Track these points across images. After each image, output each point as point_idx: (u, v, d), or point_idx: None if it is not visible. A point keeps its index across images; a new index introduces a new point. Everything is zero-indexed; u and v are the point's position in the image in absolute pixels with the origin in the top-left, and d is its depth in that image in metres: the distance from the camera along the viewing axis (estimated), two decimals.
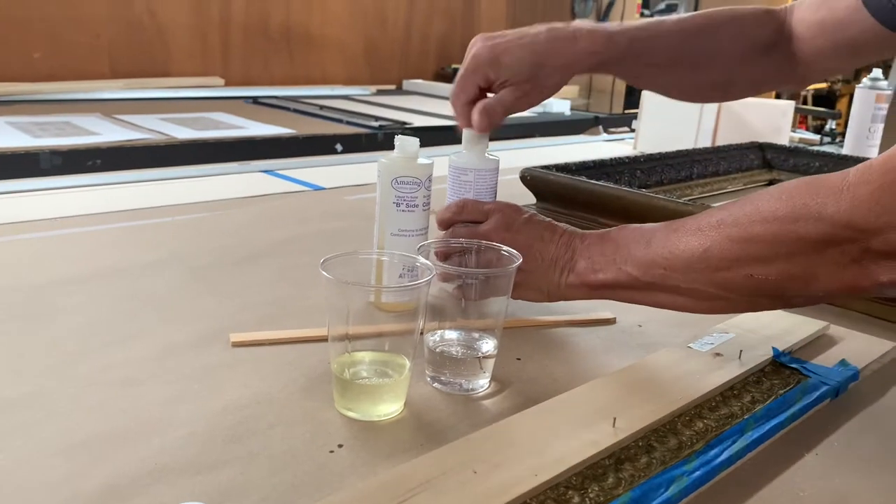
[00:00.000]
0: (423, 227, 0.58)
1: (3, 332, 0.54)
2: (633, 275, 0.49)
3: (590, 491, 0.37)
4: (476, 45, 0.59)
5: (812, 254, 0.42)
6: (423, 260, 0.48)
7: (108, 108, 1.94)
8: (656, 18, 0.66)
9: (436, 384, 0.49)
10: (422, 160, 0.57)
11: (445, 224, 0.58)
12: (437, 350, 0.49)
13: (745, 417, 0.46)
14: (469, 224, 0.57)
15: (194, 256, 0.72)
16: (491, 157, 0.60)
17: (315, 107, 2.08)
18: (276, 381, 0.48)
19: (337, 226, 0.87)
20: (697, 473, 0.40)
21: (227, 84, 2.37)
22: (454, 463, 0.37)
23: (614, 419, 0.42)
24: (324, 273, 0.43)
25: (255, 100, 2.21)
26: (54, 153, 1.41)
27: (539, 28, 0.59)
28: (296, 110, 2.05)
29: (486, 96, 0.60)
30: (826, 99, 3.48)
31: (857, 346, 0.57)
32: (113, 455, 0.40)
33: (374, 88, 2.55)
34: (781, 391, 0.49)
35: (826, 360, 0.55)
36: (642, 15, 3.19)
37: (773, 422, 0.46)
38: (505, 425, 0.42)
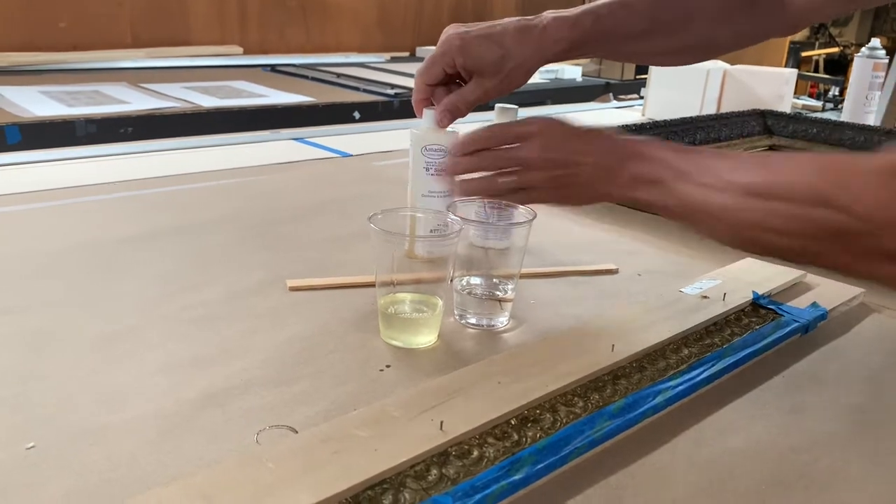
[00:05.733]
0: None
1: (93, 281, 0.63)
2: (670, 206, 0.50)
3: (591, 398, 0.46)
4: (448, 33, 0.61)
5: (829, 240, 0.42)
6: (452, 216, 0.56)
7: (133, 76, 2.01)
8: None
9: (463, 321, 0.58)
10: (448, 129, 0.65)
11: (464, 161, 0.56)
12: (465, 293, 0.58)
13: (724, 346, 0.54)
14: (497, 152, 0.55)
15: (244, 217, 0.81)
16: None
17: (332, 75, 2.14)
18: (330, 317, 0.58)
19: (369, 189, 0.95)
20: (681, 388, 0.49)
21: (245, 52, 2.43)
22: (482, 376, 0.46)
23: (612, 345, 0.50)
24: (371, 225, 0.51)
25: (272, 68, 2.28)
26: (89, 121, 1.50)
27: (509, 20, 0.61)
28: (313, 78, 2.11)
29: (450, 81, 0.62)
30: (837, 63, 3.49)
31: (828, 292, 0.66)
32: (205, 374, 0.49)
33: (387, 56, 2.61)
34: (757, 327, 0.58)
35: (800, 302, 0.63)
36: None
37: (748, 350, 0.55)
38: (522, 349, 0.51)
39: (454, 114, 0.62)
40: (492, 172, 0.55)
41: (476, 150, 0.55)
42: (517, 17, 0.61)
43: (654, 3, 0.65)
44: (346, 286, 0.63)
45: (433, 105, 0.63)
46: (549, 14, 0.61)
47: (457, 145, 0.56)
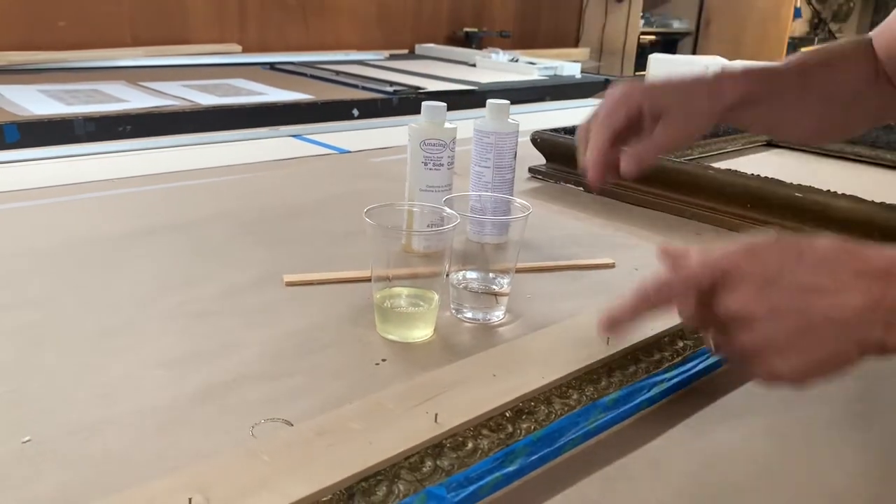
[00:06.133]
0: (447, 183, 0.66)
1: (90, 277, 0.63)
2: None
3: (586, 390, 0.46)
4: (622, 85, 0.55)
5: None
6: (448, 210, 0.56)
7: (132, 75, 2.02)
8: (769, 64, 0.60)
9: (459, 315, 0.58)
10: (447, 125, 0.65)
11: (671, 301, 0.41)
12: (461, 287, 0.58)
13: None
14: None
15: (242, 213, 0.82)
16: (511, 121, 0.68)
17: (331, 72, 2.14)
18: (326, 312, 0.58)
19: (366, 185, 0.95)
20: (676, 380, 0.49)
21: (244, 51, 2.43)
22: (477, 369, 0.46)
23: (608, 338, 0.51)
24: (367, 220, 0.52)
25: (272, 66, 2.28)
26: (87, 120, 1.50)
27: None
28: (312, 76, 2.12)
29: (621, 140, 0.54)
30: None
31: None
32: (202, 368, 0.49)
33: (386, 53, 2.61)
34: None
35: None
36: (643, 17, 3.21)
37: None
38: (518, 342, 0.51)
39: (641, 163, 0.53)
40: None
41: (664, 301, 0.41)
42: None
43: (805, 73, 0.59)
44: (342, 281, 0.63)
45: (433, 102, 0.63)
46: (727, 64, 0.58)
47: (632, 301, 0.41)
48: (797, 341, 0.37)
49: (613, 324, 0.42)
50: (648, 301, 0.41)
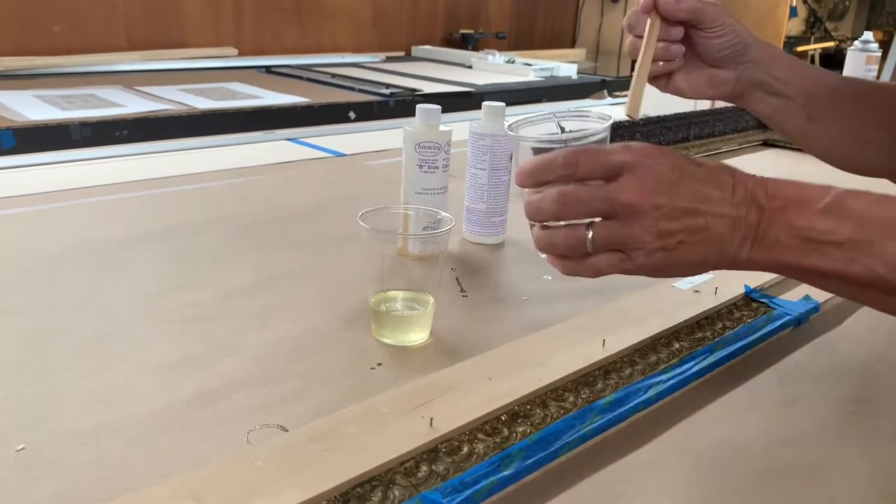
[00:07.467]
0: (443, 186, 0.66)
1: (85, 282, 0.63)
2: (881, 275, 0.36)
3: (582, 393, 0.46)
4: None
5: None
6: (443, 213, 0.56)
7: (128, 79, 2.01)
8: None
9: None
10: (442, 127, 0.65)
11: (536, 183, 0.40)
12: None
13: (716, 340, 0.54)
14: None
15: (237, 217, 0.81)
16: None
17: (327, 75, 2.14)
18: (321, 316, 0.58)
19: (362, 189, 0.95)
20: (672, 382, 0.49)
21: (240, 54, 2.43)
22: (473, 372, 0.46)
23: (604, 340, 0.51)
24: (362, 224, 0.51)
25: (268, 69, 2.28)
26: (84, 125, 1.49)
27: None
28: (309, 79, 2.11)
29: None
30: (833, 58, 3.49)
31: None
32: (196, 373, 0.49)
33: (383, 55, 2.61)
34: (749, 320, 0.58)
35: (793, 296, 0.63)
36: None
37: (740, 343, 0.55)
38: (514, 345, 0.51)
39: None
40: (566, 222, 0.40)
41: (546, 181, 0.40)
42: None
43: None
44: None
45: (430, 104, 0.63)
46: None
47: (521, 172, 0.41)
48: (668, 242, 0.38)
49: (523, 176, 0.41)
50: (533, 174, 0.40)
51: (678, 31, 0.56)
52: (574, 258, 0.40)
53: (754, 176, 0.40)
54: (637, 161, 0.38)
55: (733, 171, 0.40)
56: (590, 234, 0.39)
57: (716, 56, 0.57)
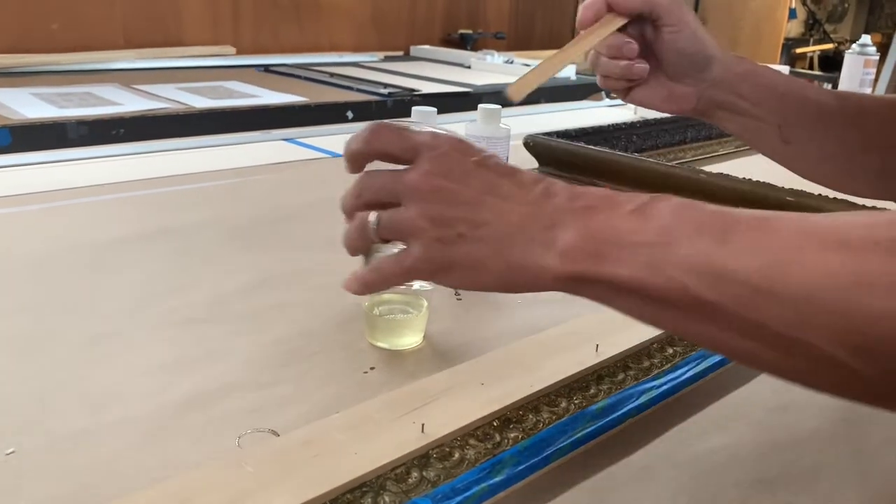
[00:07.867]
0: None
1: (78, 284, 0.63)
2: (682, 284, 0.30)
3: (574, 398, 0.46)
4: None
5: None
6: None
7: (125, 77, 2.01)
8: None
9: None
10: (434, 130, 0.65)
11: (356, 161, 0.40)
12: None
13: None
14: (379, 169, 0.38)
15: (232, 218, 0.81)
16: (503, 126, 0.68)
17: (325, 74, 2.14)
18: (314, 319, 0.58)
19: None
20: (665, 387, 0.49)
21: (238, 52, 2.43)
22: (465, 377, 0.46)
23: (597, 345, 0.50)
24: None
25: (266, 68, 2.28)
26: (80, 123, 1.49)
27: None
28: (307, 78, 2.11)
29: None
30: (832, 60, 3.50)
31: None
32: (188, 376, 0.49)
33: (381, 55, 2.60)
34: None
35: None
36: None
37: None
38: (507, 350, 0.51)
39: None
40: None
41: (354, 150, 0.39)
42: None
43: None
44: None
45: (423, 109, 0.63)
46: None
47: (346, 148, 0.40)
48: (446, 232, 0.35)
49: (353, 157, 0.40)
50: (361, 140, 0.39)
51: (635, 31, 0.55)
52: (364, 252, 0.39)
53: (573, 185, 0.35)
54: (436, 146, 0.36)
55: (545, 177, 0.36)
56: (372, 217, 0.37)
57: (674, 62, 0.55)
